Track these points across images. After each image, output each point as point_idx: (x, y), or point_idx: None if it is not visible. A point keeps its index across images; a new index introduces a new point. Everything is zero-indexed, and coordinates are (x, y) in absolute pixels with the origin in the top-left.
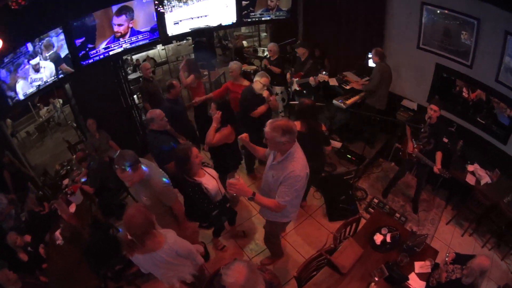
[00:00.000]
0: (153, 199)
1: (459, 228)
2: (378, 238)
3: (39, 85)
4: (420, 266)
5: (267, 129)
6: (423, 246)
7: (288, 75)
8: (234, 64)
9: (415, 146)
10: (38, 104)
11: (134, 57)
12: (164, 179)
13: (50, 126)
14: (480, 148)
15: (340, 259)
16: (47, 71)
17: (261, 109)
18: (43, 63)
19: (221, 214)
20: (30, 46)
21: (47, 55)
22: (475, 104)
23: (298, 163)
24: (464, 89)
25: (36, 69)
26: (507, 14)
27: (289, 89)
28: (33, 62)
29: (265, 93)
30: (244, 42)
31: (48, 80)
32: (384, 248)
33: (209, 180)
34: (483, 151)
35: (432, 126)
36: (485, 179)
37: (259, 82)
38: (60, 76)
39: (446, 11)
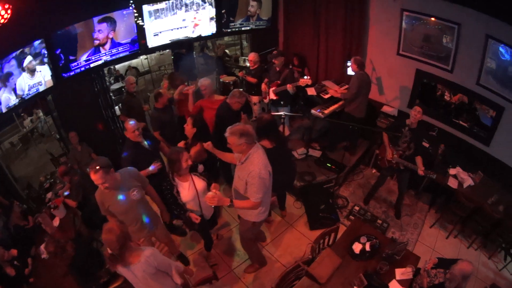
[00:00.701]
0: (140, 188)
1: (444, 230)
2: (357, 247)
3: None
4: (401, 273)
5: (227, 134)
6: (403, 253)
7: (263, 86)
8: (205, 81)
9: (395, 153)
10: (22, 114)
11: (117, 66)
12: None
13: (34, 137)
14: (463, 151)
15: (317, 269)
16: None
17: None
18: (39, 67)
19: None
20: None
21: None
22: (457, 107)
23: (258, 163)
24: (446, 92)
25: (32, 70)
26: (487, 17)
27: (264, 100)
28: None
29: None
30: (227, 51)
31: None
32: (363, 256)
33: (187, 188)
34: (465, 154)
35: (413, 130)
36: (468, 181)
37: (239, 103)
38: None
39: (426, 17)
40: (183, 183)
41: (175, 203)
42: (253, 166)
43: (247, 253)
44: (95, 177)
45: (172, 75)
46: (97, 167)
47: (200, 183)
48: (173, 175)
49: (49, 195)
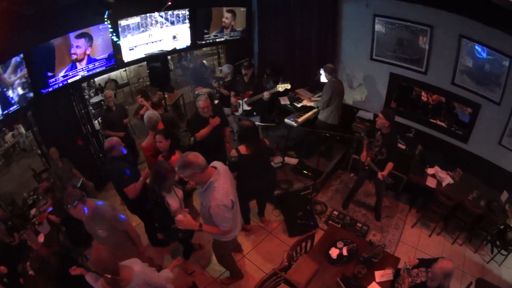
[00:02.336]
0: (108, 229)
1: (426, 229)
2: (334, 252)
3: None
4: (381, 275)
5: (176, 167)
6: (381, 256)
7: (232, 99)
8: (152, 115)
9: (368, 155)
10: (3, 129)
11: (96, 79)
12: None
13: (16, 152)
14: (441, 151)
15: (295, 276)
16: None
17: (203, 131)
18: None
19: (178, 230)
20: None
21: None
22: (435, 106)
23: (219, 193)
24: (423, 93)
25: None
26: (460, 18)
27: (235, 112)
28: None
29: (212, 121)
30: (204, 61)
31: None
32: (341, 261)
33: (173, 198)
34: (444, 153)
35: (385, 136)
36: (447, 180)
37: (206, 108)
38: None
39: (398, 21)
40: (168, 195)
41: (167, 215)
42: (213, 196)
43: (225, 267)
44: (75, 212)
45: (145, 90)
46: (75, 203)
47: (179, 192)
48: (159, 189)
49: (32, 211)
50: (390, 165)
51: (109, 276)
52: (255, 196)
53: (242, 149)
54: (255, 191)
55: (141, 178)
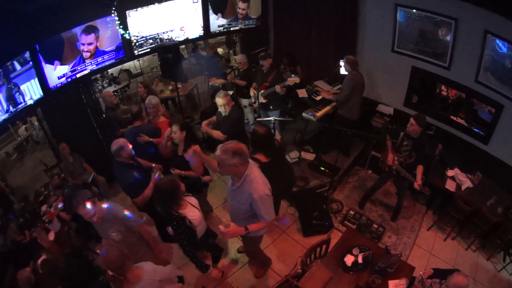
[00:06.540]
0: (122, 232)
1: (441, 233)
2: (349, 260)
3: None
4: (395, 284)
5: (217, 152)
6: (397, 265)
7: (252, 90)
8: (153, 99)
9: (396, 159)
10: (17, 122)
11: (110, 70)
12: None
13: (29, 145)
14: (461, 151)
15: (307, 284)
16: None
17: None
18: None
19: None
20: None
21: None
22: (455, 102)
23: (258, 183)
24: (443, 87)
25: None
26: (485, 12)
27: (254, 104)
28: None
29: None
30: (220, 50)
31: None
32: (355, 269)
33: (192, 211)
34: (463, 153)
35: (415, 140)
36: (466, 183)
37: (219, 104)
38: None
39: (421, 12)
40: (186, 210)
41: (192, 235)
42: (253, 188)
43: (255, 260)
44: (84, 211)
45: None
46: (85, 201)
47: (193, 201)
48: (174, 210)
49: (43, 208)
50: (420, 169)
51: (110, 273)
52: (278, 198)
53: (261, 157)
54: (275, 195)
55: (150, 184)
